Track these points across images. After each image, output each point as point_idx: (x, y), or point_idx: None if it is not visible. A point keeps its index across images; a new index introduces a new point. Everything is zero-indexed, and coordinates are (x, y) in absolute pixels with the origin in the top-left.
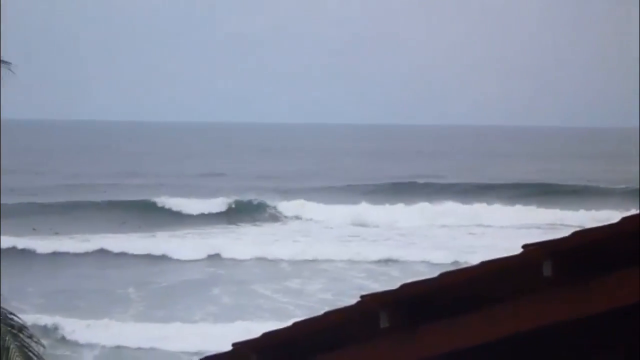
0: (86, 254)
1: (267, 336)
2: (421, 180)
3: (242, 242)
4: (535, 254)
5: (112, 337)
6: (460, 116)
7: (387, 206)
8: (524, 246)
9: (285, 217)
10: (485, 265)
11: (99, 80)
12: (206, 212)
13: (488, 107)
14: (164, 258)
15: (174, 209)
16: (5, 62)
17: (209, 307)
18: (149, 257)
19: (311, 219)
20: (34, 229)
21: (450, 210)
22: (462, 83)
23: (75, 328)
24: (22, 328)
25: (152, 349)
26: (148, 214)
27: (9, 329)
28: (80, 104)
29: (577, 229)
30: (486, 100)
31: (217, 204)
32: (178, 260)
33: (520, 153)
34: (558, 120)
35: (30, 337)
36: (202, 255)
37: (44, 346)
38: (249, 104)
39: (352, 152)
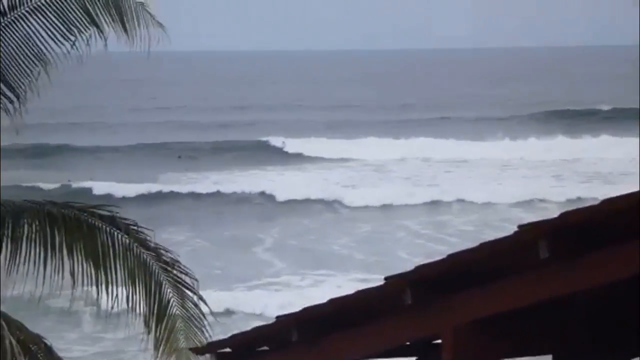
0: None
1: (421, 269)
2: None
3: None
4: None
5: None
6: None
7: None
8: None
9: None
10: None
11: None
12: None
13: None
14: None
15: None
16: None
17: None
18: None
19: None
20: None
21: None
22: None
23: None
24: (174, 263)
25: None
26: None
27: (160, 264)
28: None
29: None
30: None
31: None
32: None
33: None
34: (546, 40)
35: (185, 272)
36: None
37: (196, 280)
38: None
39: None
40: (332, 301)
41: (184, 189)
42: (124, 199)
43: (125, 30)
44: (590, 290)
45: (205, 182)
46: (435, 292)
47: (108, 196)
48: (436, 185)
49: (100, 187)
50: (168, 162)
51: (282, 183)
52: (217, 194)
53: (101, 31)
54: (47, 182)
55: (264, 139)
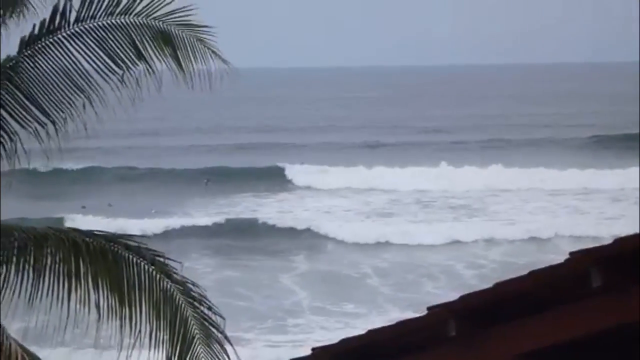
0: None
1: (466, 299)
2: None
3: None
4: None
5: None
6: None
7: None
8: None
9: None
10: None
11: None
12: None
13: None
14: None
15: None
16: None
17: None
18: None
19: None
20: None
21: None
22: None
23: None
24: (201, 298)
25: None
26: None
27: (187, 298)
28: None
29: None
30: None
31: None
32: None
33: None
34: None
35: (210, 308)
36: None
37: (223, 318)
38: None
39: None
40: (371, 332)
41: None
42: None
43: (181, 65)
44: None
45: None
46: (480, 324)
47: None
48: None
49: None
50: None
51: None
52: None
53: (150, 66)
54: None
55: (283, 165)
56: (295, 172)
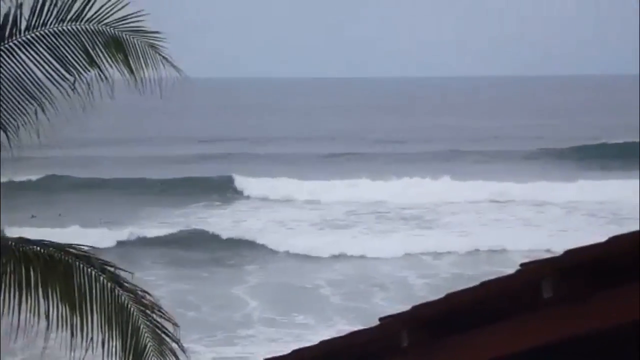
0: None
1: (418, 309)
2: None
3: None
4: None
5: None
6: None
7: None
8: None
9: None
10: None
11: None
12: None
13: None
14: None
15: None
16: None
17: None
18: None
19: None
20: None
21: None
22: None
23: None
24: (154, 307)
25: None
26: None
27: (139, 306)
28: None
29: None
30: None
31: None
32: None
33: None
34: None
35: (163, 315)
36: None
37: (177, 325)
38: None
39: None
40: (323, 343)
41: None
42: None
43: (132, 72)
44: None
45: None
46: (433, 335)
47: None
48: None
49: None
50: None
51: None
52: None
53: (102, 72)
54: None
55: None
56: (249, 182)
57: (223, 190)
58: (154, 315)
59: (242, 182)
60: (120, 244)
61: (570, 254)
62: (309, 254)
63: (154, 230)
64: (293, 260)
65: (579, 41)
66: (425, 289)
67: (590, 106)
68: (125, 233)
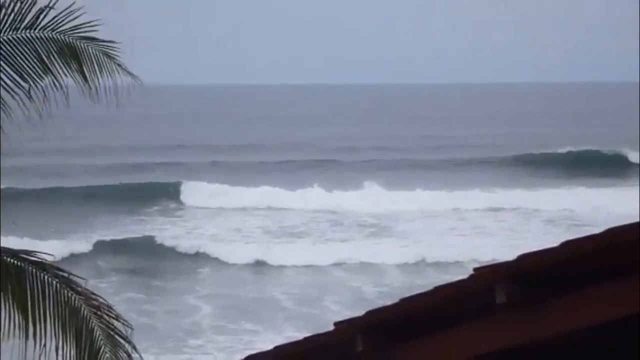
0: None
1: (372, 314)
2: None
3: None
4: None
5: None
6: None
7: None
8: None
9: None
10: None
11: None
12: None
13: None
14: None
15: None
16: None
17: None
18: None
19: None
20: None
21: None
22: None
23: None
24: (107, 309)
25: None
26: None
27: (92, 309)
28: None
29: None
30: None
31: None
32: None
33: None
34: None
35: (117, 318)
36: None
37: (131, 327)
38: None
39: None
40: (278, 349)
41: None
42: None
43: (86, 79)
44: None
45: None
46: (388, 339)
47: None
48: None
49: None
50: None
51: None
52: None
53: (57, 80)
54: None
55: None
56: (201, 190)
57: (174, 198)
58: (108, 319)
59: (194, 189)
60: (70, 251)
61: (523, 258)
62: (261, 262)
63: (105, 239)
64: (245, 269)
65: (559, 48)
66: (377, 297)
67: (558, 114)
68: (76, 242)
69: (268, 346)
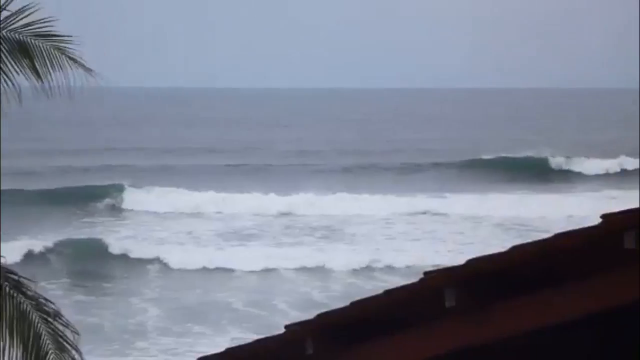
0: None
1: (323, 317)
2: None
3: None
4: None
5: None
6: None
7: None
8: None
9: None
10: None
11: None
12: None
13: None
14: None
15: None
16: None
17: None
18: None
19: None
20: None
21: None
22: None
23: None
24: (56, 315)
25: None
26: None
27: (43, 315)
28: None
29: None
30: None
31: None
32: None
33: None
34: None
35: (66, 325)
36: None
37: (78, 333)
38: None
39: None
40: (229, 351)
41: None
42: None
43: (39, 76)
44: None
45: None
46: (339, 342)
47: None
48: None
49: None
50: None
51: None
52: None
53: (8, 78)
54: None
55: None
56: (149, 193)
57: (122, 201)
58: (56, 324)
59: (144, 193)
60: (14, 255)
61: (472, 262)
62: (211, 266)
63: (47, 243)
64: (194, 272)
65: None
66: (327, 301)
67: (506, 119)
68: (17, 246)
69: (213, 349)
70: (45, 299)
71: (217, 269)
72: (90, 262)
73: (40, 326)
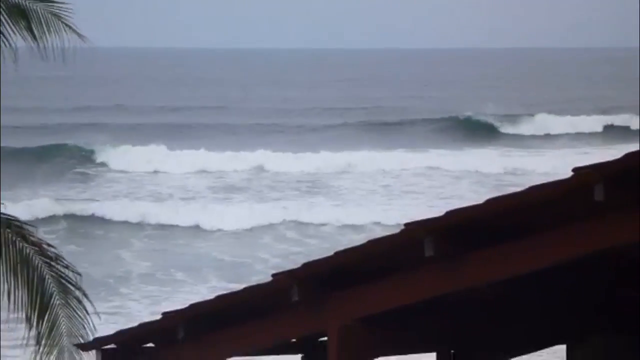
0: None
1: (308, 266)
2: None
3: None
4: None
5: None
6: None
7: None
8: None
9: None
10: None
11: None
12: None
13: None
14: None
15: None
16: None
17: None
18: None
19: None
20: None
21: None
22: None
23: None
24: (57, 257)
25: None
26: None
27: (43, 258)
28: None
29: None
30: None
31: None
32: None
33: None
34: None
35: (67, 266)
36: None
37: (80, 274)
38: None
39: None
40: (219, 298)
41: None
42: None
43: (35, 38)
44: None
45: None
46: (323, 290)
47: None
48: None
49: None
50: None
51: None
52: None
53: (6, 39)
54: None
55: None
56: (136, 153)
57: (87, 161)
58: (58, 267)
59: (131, 151)
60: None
61: (450, 214)
62: (197, 223)
63: (29, 203)
64: (182, 229)
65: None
66: (313, 252)
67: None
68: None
69: (195, 296)
70: (48, 244)
71: (203, 224)
72: (78, 219)
73: (44, 270)
